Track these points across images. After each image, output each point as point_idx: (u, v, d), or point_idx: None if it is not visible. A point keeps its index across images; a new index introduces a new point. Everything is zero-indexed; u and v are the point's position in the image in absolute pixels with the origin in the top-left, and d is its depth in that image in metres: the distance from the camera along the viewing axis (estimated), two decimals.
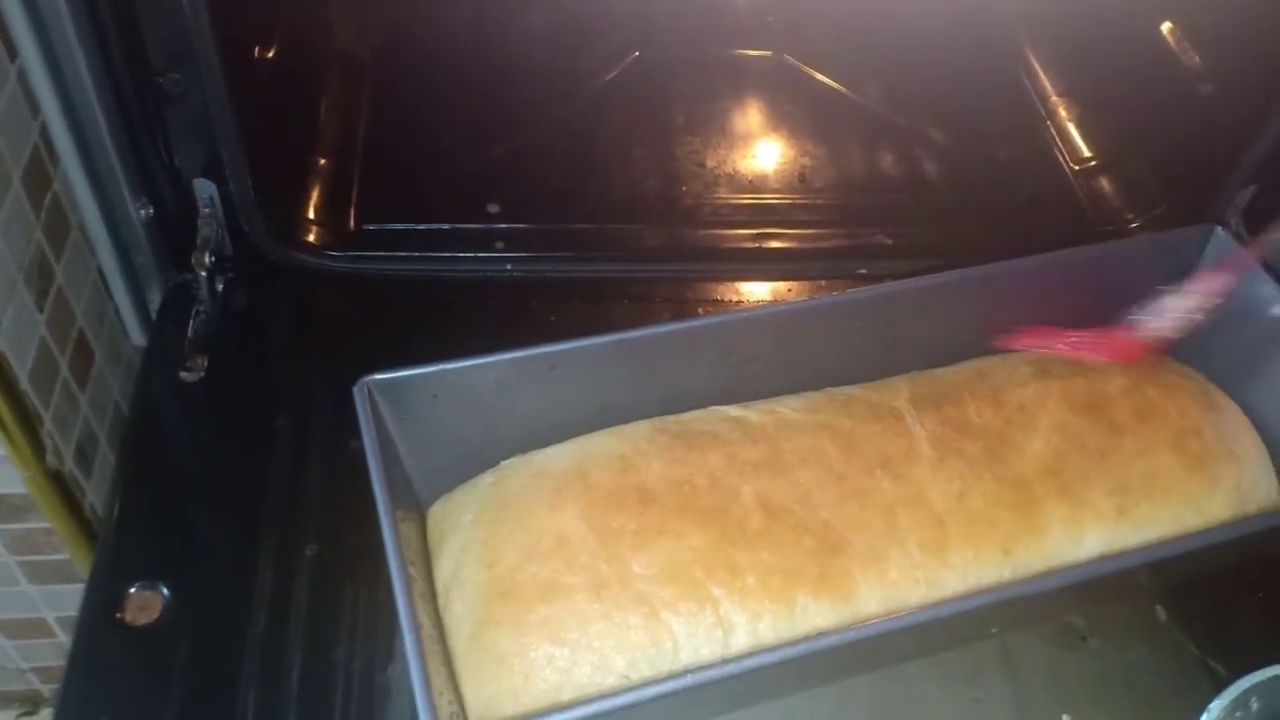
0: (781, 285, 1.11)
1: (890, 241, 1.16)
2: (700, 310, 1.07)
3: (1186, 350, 0.94)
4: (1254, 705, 0.69)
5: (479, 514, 0.77)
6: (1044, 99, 1.34)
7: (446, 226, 1.12)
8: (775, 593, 0.72)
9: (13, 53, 0.88)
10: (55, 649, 1.22)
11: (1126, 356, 0.86)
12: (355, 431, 0.74)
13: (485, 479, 0.80)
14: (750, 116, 1.30)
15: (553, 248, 1.11)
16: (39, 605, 1.15)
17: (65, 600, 1.14)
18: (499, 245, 1.10)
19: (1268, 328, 0.88)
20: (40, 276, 0.97)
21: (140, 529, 0.86)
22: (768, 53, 1.36)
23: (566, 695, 0.69)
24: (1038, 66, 1.37)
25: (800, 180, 1.22)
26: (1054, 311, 0.92)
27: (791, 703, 0.78)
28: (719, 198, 1.20)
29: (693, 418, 0.83)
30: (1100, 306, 0.94)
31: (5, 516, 1.03)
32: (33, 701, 1.34)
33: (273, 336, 1.03)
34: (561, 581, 0.72)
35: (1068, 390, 0.84)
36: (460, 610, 0.73)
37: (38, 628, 1.19)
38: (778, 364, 0.86)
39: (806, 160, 1.25)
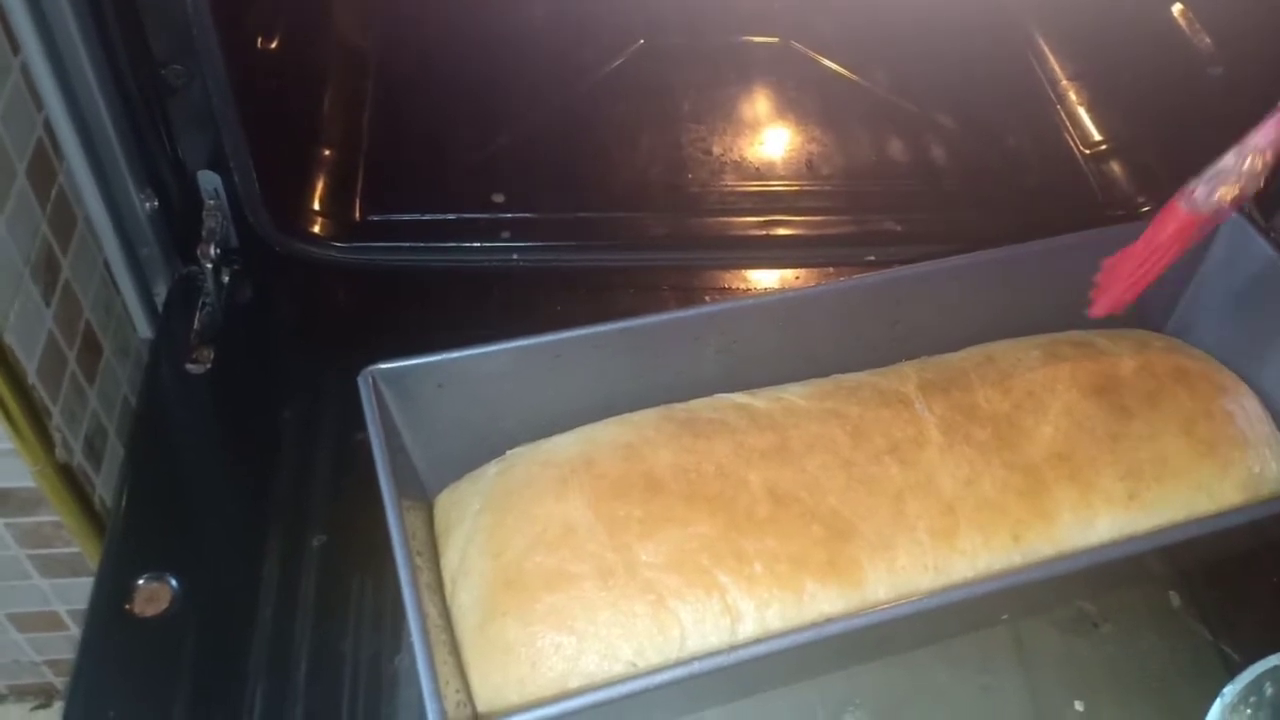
0: (789, 273, 1.10)
1: (899, 228, 1.15)
2: (707, 298, 1.07)
3: (1198, 333, 0.94)
4: (1268, 690, 0.68)
5: (485, 503, 0.77)
6: (1054, 83, 1.33)
7: (452, 216, 1.12)
8: (783, 580, 0.72)
9: (15, 46, 0.88)
10: (68, 642, 1.23)
11: (1185, 235, 0.79)
12: (361, 422, 0.74)
13: (491, 468, 0.80)
14: (757, 103, 1.29)
15: (558, 237, 1.11)
16: (50, 598, 1.16)
17: (76, 593, 1.15)
18: (505, 235, 1.10)
19: (1278, 309, 0.87)
20: (47, 270, 0.97)
21: (148, 521, 0.86)
22: (774, 39, 1.35)
23: (574, 684, 0.69)
24: (1047, 50, 1.36)
25: (807, 167, 1.22)
26: (1065, 296, 0.92)
27: (800, 690, 0.78)
28: (726, 185, 1.19)
29: (700, 405, 0.83)
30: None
31: (15, 510, 1.03)
32: (46, 694, 1.34)
33: (278, 328, 1.03)
34: (568, 570, 0.71)
35: (1077, 374, 0.83)
36: (467, 600, 0.73)
37: (49, 621, 1.20)
38: (785, 351, 0.86)
39: (814, 147, 1.24)
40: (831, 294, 0.87)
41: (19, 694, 1.34)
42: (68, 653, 1.25)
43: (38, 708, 1.35)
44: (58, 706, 1.34)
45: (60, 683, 1.31)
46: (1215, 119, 1.09)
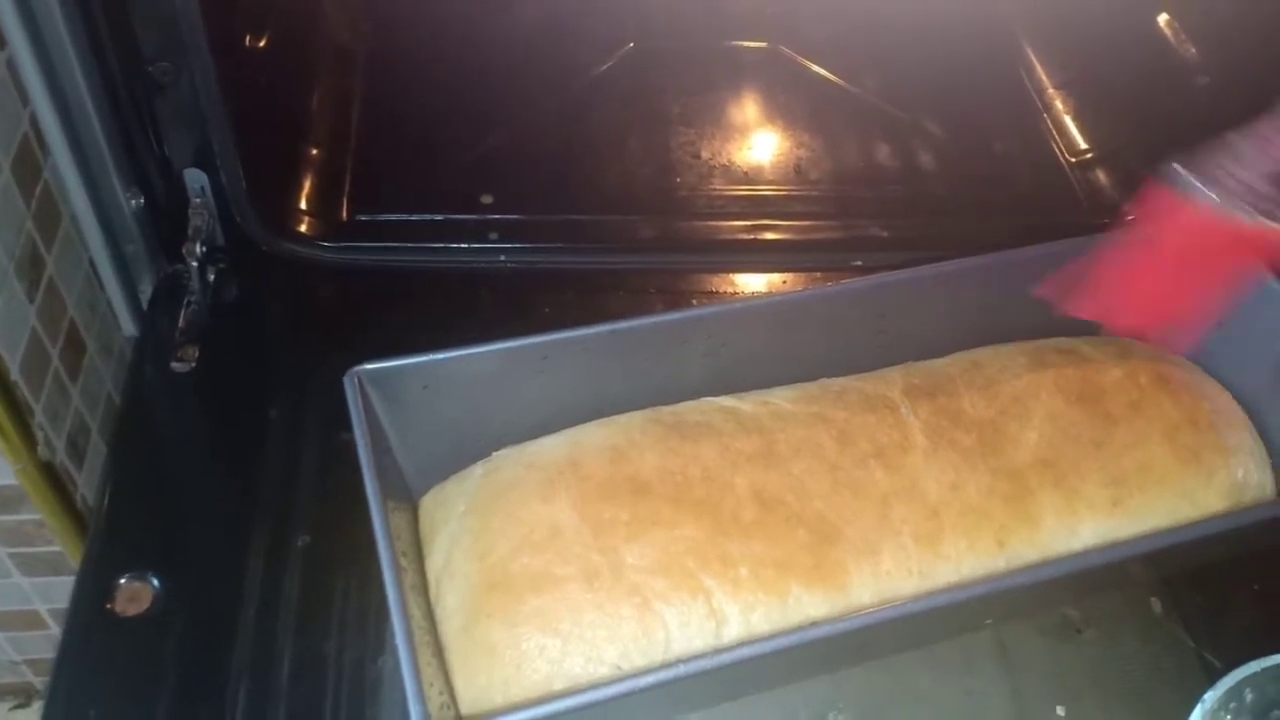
0: (776, 277, 1.11)
1: (886, 234, 1.15)
2: (694, 302, 1.07)
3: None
4: (1248, 696, 0.68)
5: (471, 505, 0.76)
6: (1041, 91, 1.33)
7: (440, 217, 1.12)
8: (768, 584, 0.72)
9: (1, 41, 0.88)
10: (48, 641, 1.22)
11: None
12: (347, 422, 0.74)
13: (477, 470, 0.80)
14: (746, 108, 1.30)
15: (546, 239, 1.11)
16: (31, 597, 1.15)
17: (57, 592, 1.14)
18: (493, 236, 1.10)
19: (1262, 318, 0.87)
20: (31, 267, 0.97)
21: (130, 520, 0.86)
22: (763, 44, 1.36)
23: (558, 686, 0.68)
24: (1035, 59, 1.37)
25: (795, 172, 1.22)
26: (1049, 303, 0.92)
27: (784, 694, 0.78)
28: (714, 189, 1.19)
29: (686, 408, 0.83)
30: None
31: None
32: (25, 694, 1.33)
33: (264, 327, 1.03)
34: (554, 572, 0.71)
35: (1061, 381, 0.84)
36: (452, 601, 0.72)
37: (30, 620, 1.19)
38: (771, 355, 0.86)
39: (802, 152, 1.24)
40: (818, 298, 0.87)
41: None
42: (48, 652, 1.24)
43: (16, 707, 1.34)
44: (37, 706, 1.33)
45: (40, 682, 1.30)
46: (1201, 127, 1.10)
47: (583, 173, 1.20)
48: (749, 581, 0.72)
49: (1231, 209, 0.68)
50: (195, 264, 0.98)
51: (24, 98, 0.92)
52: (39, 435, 0.99)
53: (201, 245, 0.98)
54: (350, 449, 0.73)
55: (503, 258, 1.09)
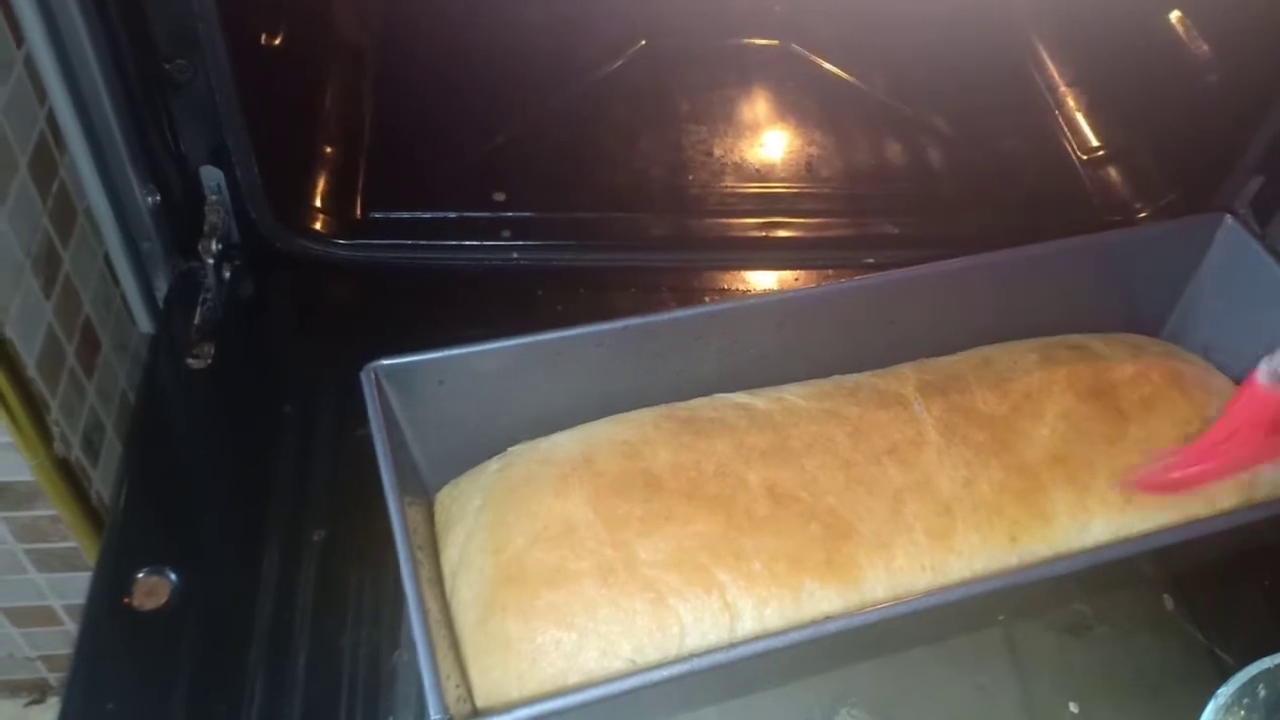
0: (788, 274, 1.11)
1: (897, 231, 1.15)
2: (707, 299, 1.07)
3: (1192, 337, 0.94)
4: (1261, 692, 0.69)
5: (486, 500, 0.77)
6: (1052, 89, 1.33)
7: (453, 215, 1.12)
8: (781, 579, 0.72)
9: (20, 39, 0.88)
10: (63, 637, 1.22)
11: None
12: (363, 418, 0.74)
13: (492, 465, 0.80)
14: (757, 105, 1.30)
15: (559, 236, 1.11)
16: (46, 593, 1.16)
17: (72, 588, 1.15)
18: (505, 233, 1.10)
19: (1274, 316, 0.88)
20: (47, 264, 0.97)
21: (148, 514, 0.86)
22: (775, 42, 1.36)
23: (573, 680, 0.69)
24: (1045, 56, 1.36)
25: (807, 169, 1.22)
26: (1062, 299, 0.92)
27: (797, 688, 0.78)
28: (726, 187, 1.20)
29: (700, 405, 0.83)
30: (1107, 295, 0.95)
31: (12, 504, 1.03)
32: (40, 690, 1.34)
33: (279, 324, 1.03)
34: (568, 567, 0.72)
35: (1074, 377, 0.84)
36: (467, 595, 0.73)
37: (45, 616, 1.19)
38: (784, 351, 0.86)
39: (813, 149, 1.24)
40: (831, 295, 0.88)
41: (13, 689, 1.34)
42: (63, 648, 1.24)
43: (31, 703, 1.34)
44: (51, 702, 1.34)
45: (54, 678, 1.31)
46: (1212, 126, 1.10)
47: (595, 170, 1.20)
48: (762, 576, 0.72)
49: None
50: (210, 261, 0.98)
51: (41, 95, 0.93)
52: (55, 431, 1.00)
53: (217, 242, 0.98)
54: (365, 444, 0.74)
55: (515, 255, 1.09)
